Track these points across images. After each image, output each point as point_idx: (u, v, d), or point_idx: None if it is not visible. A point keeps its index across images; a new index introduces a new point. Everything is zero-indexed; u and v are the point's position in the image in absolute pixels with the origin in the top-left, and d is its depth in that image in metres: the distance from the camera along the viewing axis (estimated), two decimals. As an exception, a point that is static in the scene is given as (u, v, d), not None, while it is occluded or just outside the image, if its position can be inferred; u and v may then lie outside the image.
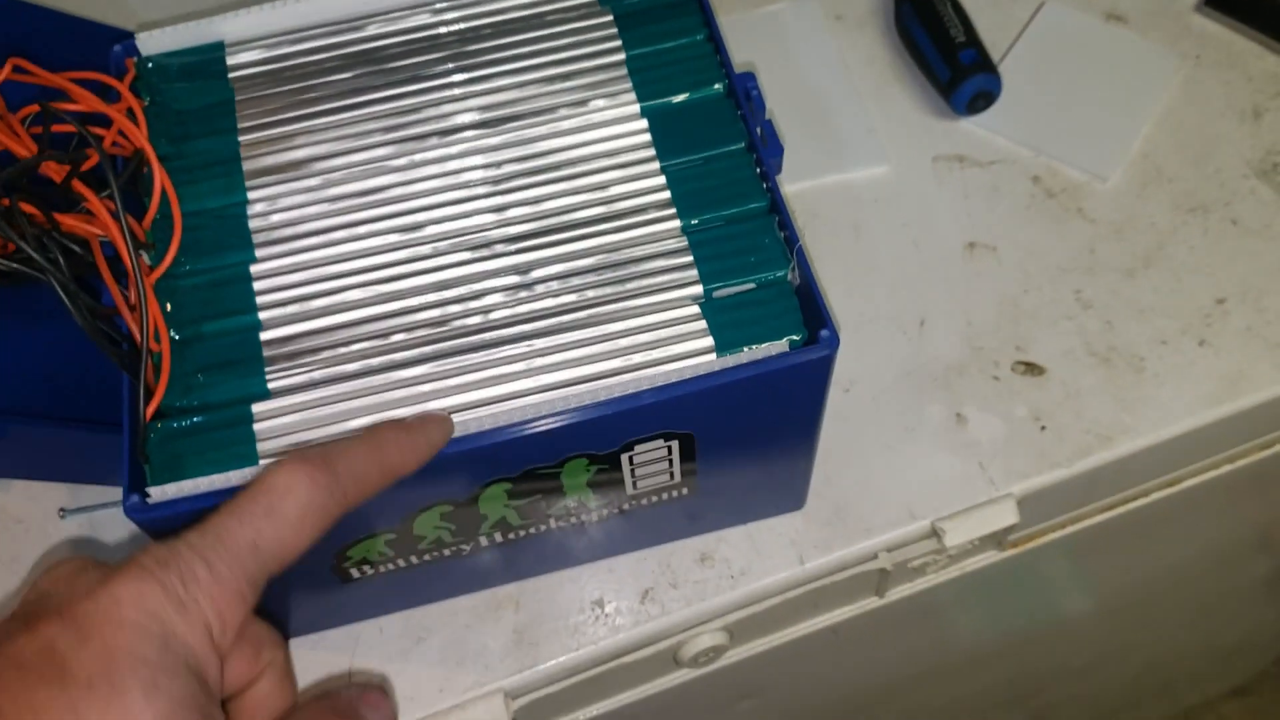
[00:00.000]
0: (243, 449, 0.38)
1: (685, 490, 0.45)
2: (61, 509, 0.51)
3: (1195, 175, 0.56)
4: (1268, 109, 0.58)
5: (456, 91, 0.44)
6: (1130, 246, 0.54)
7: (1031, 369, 0.52)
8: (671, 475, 0.43)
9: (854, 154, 0.58)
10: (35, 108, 0.42)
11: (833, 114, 0.59)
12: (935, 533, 0.49)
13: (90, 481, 0.51)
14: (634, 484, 0.43)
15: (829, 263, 0.55)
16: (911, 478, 0.50)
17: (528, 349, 0.39)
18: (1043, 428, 0.51)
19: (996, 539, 0.51)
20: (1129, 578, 0.71)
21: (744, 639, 0.51)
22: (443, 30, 0.46)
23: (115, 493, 0.51)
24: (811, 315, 0.39)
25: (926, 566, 0.51)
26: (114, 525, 0.51)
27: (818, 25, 0.61)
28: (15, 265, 0.37)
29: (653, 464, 0.42)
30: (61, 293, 0.36)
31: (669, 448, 0.41)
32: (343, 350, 0.39)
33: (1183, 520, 0.62)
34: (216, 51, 0.46)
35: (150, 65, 0.46)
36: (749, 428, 0.42)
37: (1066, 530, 0.56)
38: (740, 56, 0.60)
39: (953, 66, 0.56)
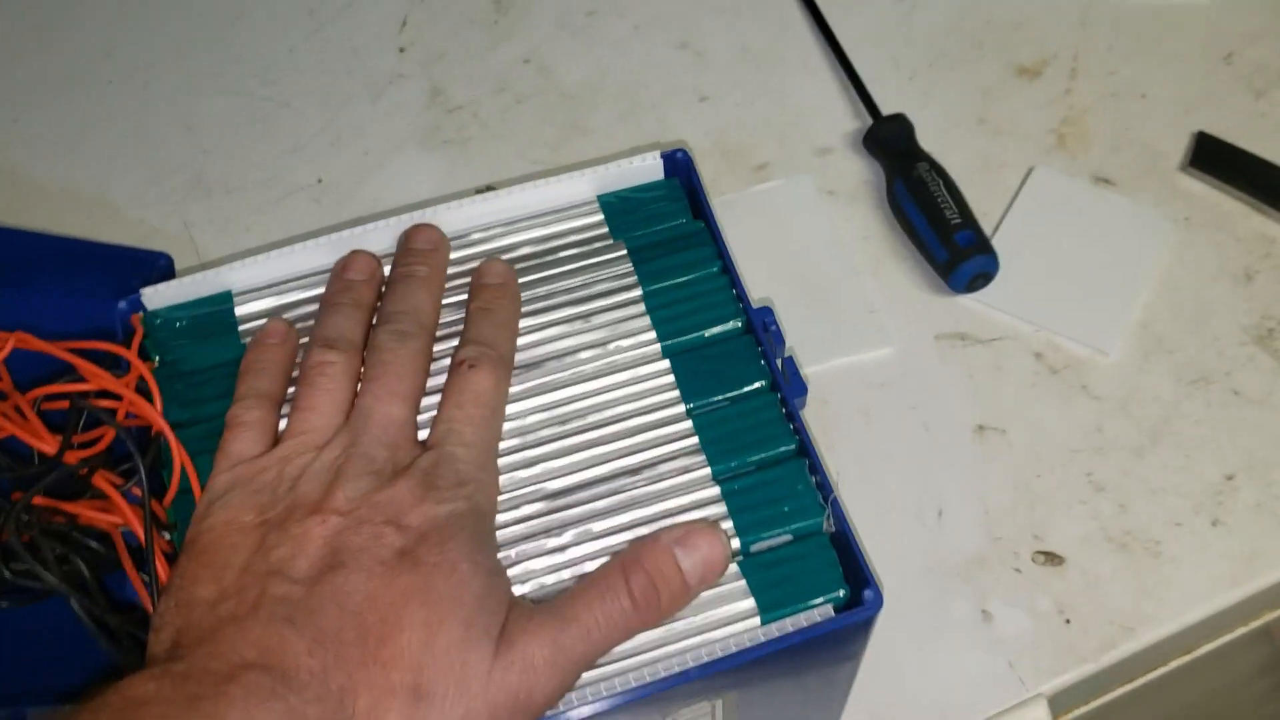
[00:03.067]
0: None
1: (724, 731, 0.44)
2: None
3: (1194, 344, 0.57)
4: (1259, 270, 0.59)
5: (474, 339, 0.44)
6: (1137, 423, 0.55)
7: (1051, 558, 0.52)
8: (712, 724, 0.43)
9: (858, 335, 0.58)
10: (43, 390, 0.41)
11: (833, 294, 0.59)
12: (970, 740, 0.49)
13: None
14: (674, 735, 0.42)
15: (841, 451, 0.55)
16: (942, 680, 0.50)
17: (566, 620, 0.39)
18: (1067, 621, 0.51)
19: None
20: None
21: None
22: (453, 270, 0.46)
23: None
24: (850, 567, 0.39)
25: (961, 770, 0.50)
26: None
27: (813, 203, 0.62)
28: (38, 585, 0.36)
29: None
30: (87, 620, 0.35)
31: (713, 706, 0.41)
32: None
33: (1197, 675, 0.62)
34: (225, 303, 0.45)
35: (158, 321, 0.45)
36: (791, 678, 0.41)
37: (1089, 706, 0.55)
38: (736, 236, 0.60)
39: (949, 249, 0.57)
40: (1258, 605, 0.54)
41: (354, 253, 0.45)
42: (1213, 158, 0.62)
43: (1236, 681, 0.77)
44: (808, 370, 0.57)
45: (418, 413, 0.41)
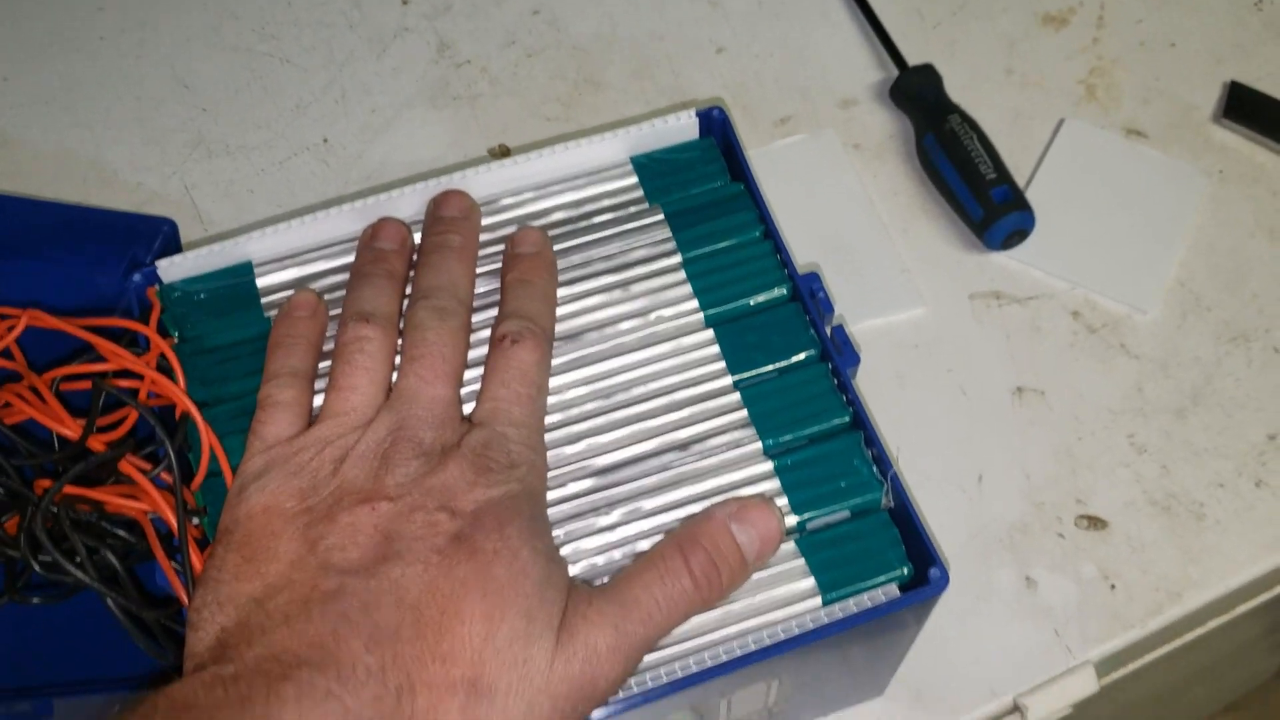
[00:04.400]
0: None
1: (775, 708, 0.43)
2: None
3: (1233, 302, 0.56)
4: (1296, 224, 0.58)
5: (510, 310, 0.42)
6: (1177, 384, 0.54)
7: (1095, 523, 0.51)
8: (767, 702, 0.41)
9: (890, 296, 0.56)
10: (61, 370, 0.39)
11: (863, 253, 0.57)
12: (1018, 708, 0.48)
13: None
14: (729, 714, 0.41)
15: (877, 417, 0.53)
16: (988, 650, 0.49)
17: (620, 603, 0.37)
18: (1112, 586, 0.50)
19: (1077, 708, 0.50)
20: (1159, 682, 0.70)
21: (829, 831, 0.50)
22: (484, 238, 0.44)
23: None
24: (913, 544, 0.38)
25: (1008, 740, 0.49)
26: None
27: (839, 158, 0.60)
28: (68, 579, 0.34)
29: (751, 699, 0.40)
30: (121, 616, 0.34)
31: (770, 685, 0.39)
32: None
33: (1232, 632, 0.62)
34: (246, 274, 0.43)
35: (176, 294, 0.43)
36: (849, 655, 0.40)
37: (1129, 668, 0.55)
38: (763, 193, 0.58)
39: (985, 205, 0.55)
40: (1300, 566, 0.53)
41: (383, 220, 0.43)
42: (1246, 108, 0.60)
43: (1262, 634, 0.77)
44: (839, 333, 0.55)
45: (460, 390, 0.39)
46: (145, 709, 0.29)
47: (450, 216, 0.42)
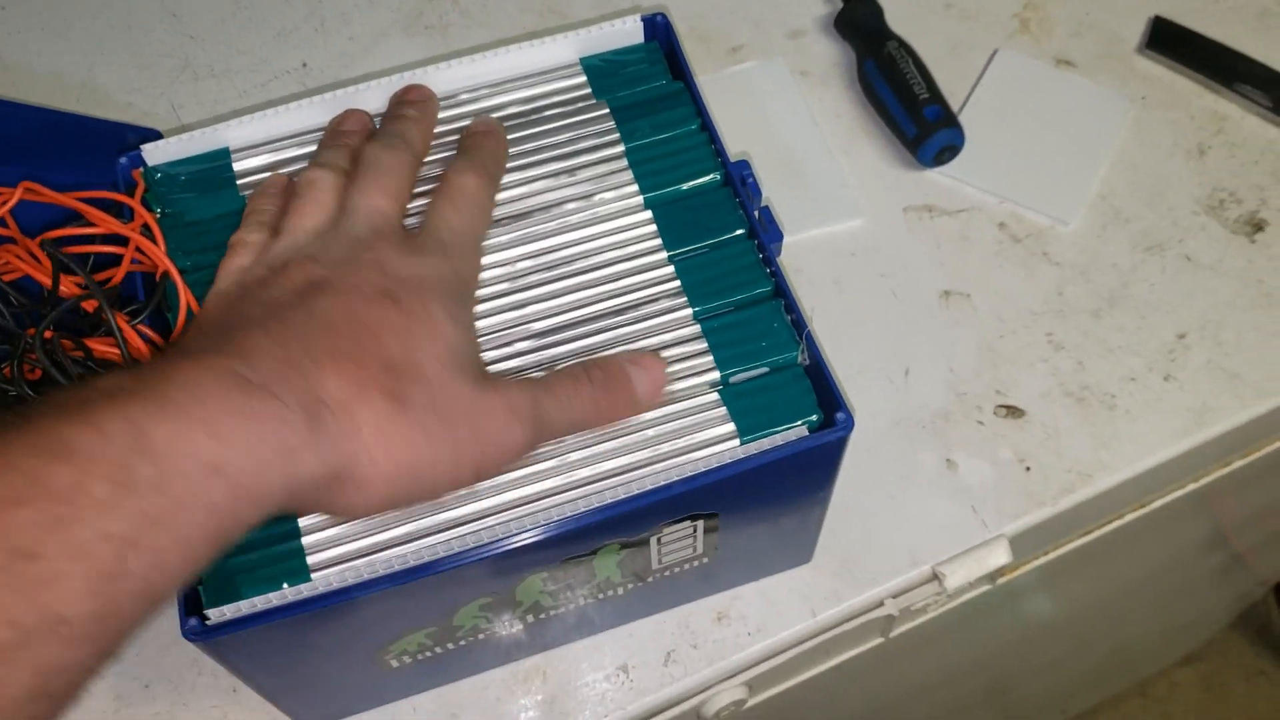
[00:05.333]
0: (293, 564, 0.39)
1: (705, 559, 0.47)
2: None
3: (1150, 214, 0.60)
4: (1211, 146, 0.61)
5: (465, 191, 0.46)
6: (1095, 288, 0.58)
7: (1013, 412, 0.55)
8: (694, 549, 0.45)
9: (830, 208, 0.60)
10: (54, 233, 0.43)
11: (808, 169, 0.61)
12: (936, 576, 0.52)
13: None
14: (659, 559, 0.45)
15: (815, 317, 0.57)
16: (910, 524, 0.52)
17: (558, 444, 0.41)
18: (1027, 469, 0.54)
19: (990, 577, 0.54)
20: (1098, 585, 0.74)
21: (761, 690, 0.54)
22: (444, 129, 0.47)
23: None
24: (824, 395, 0.42)
25: (928, 607, 0.53)
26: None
27: (787, 83, 0.64)
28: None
29: (679, 541, 0.44)
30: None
31: (695, 527, 0.43)
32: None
33: (1150, 534, 0.65)
34: (223, 159, 0.47)
35: (159, 175, 0.47)
36: (768, 501, 0.44)
37: (1049, 557, 0.59)
38: (713, 115, 0.62)
39: (918, 123, 0.59)
40: (1207, 457, 0.57)
41: (349, 110, 0.47)
42: (1168, 40, 0.64)
43: (1184, 555, 0.81)
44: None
45: (404, 216, 0.43)
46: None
47: (409, 100, 0.46)
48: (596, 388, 0.39)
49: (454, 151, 0.46)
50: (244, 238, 0.42)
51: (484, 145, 0.45)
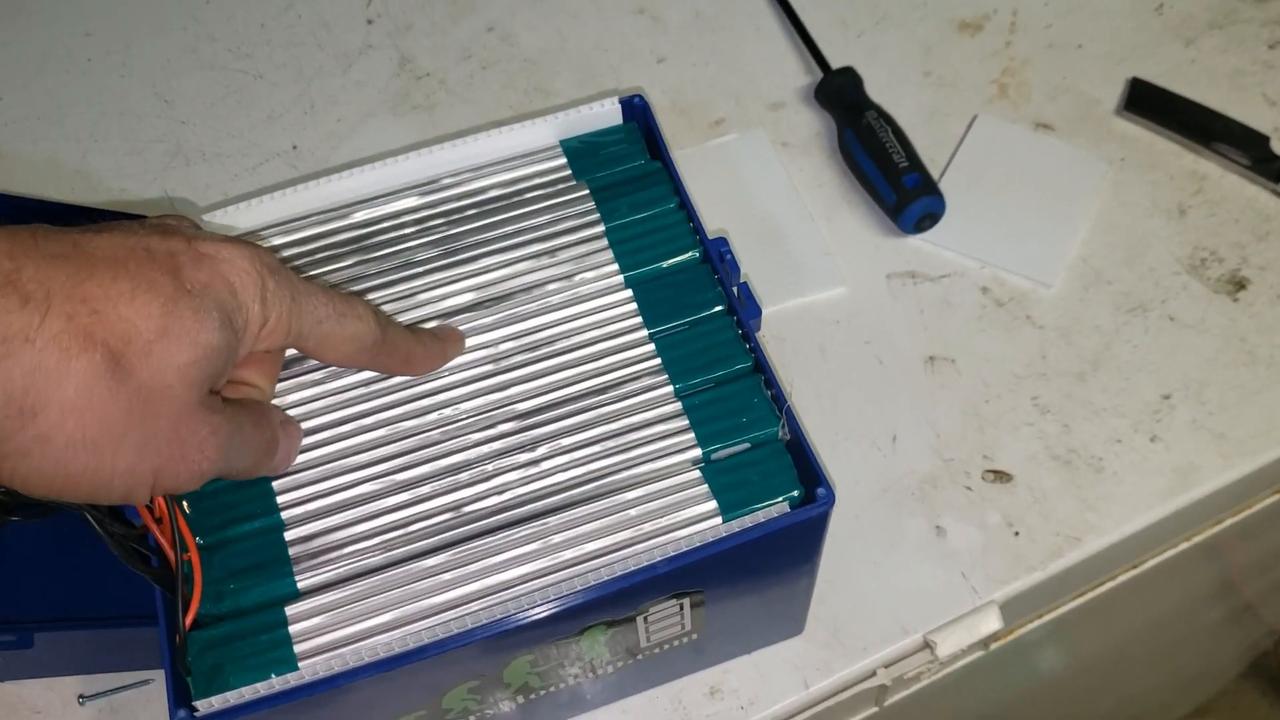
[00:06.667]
0: (281, 653, 0.39)
1: (695, 635, 0.47)
2: (81, 695, 0.51)
3: (1131, 275, 0.60)
4: (1190, 205, 0.62)
5: (448, 274, 0.46)
6: (1078, 350, 0.58)
7: (1000, 476, 0.55)
8: (682, 625, 0.45)
9: (812, 277, 0.61)
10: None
11: (789, 239, 0.62)
12: (928, 645, 0.52)
13: (107, 671, 0.52)
14: (648, 637, 0.45)
15: (800, 385, 0.58)
16: (900, 592, 0.53)
17: (542, 527, 0.41)
18: (1016, 533, 0.54)
19: (983, 643, 0.54)
20: (1098, 642, 0.74)
21: (755, 762, 0.53)
22: (428, 213, 0.48)
23: (129, 676, 0.52)
24: (805, 470, 0.42)
25: (920, 675, 0.53)
26: (133, 707, 0.52)
27: (767, 154, 0.65)
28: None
29: (666, 618, 0.44)
30: (97, 528, 0.38)
31: (681, 604, 0.44)
32: (365, 544, 0.41)
33: (1147, 591, 0.65)
34: (210, 248, 0.48)
35: (146, 267, 0.47)
36: (754, 577, 0.44)
37: (1043, 619, 0.59)
38: (694, 188, 0.63)
39: (898, 190, 0.60)
40: (1196, 516, 0.57)
41: None
42: (1145, 102, 0.65)
43: (1189, 605, 0.81)
44: (766, 310, 0.60)
45: None
46: None
47: None
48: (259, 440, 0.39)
49: (439, 236, 0.47)
50: None
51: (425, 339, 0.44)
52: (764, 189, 0.64)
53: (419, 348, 0.43)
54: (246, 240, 0.38)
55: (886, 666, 0.52)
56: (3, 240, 0.32)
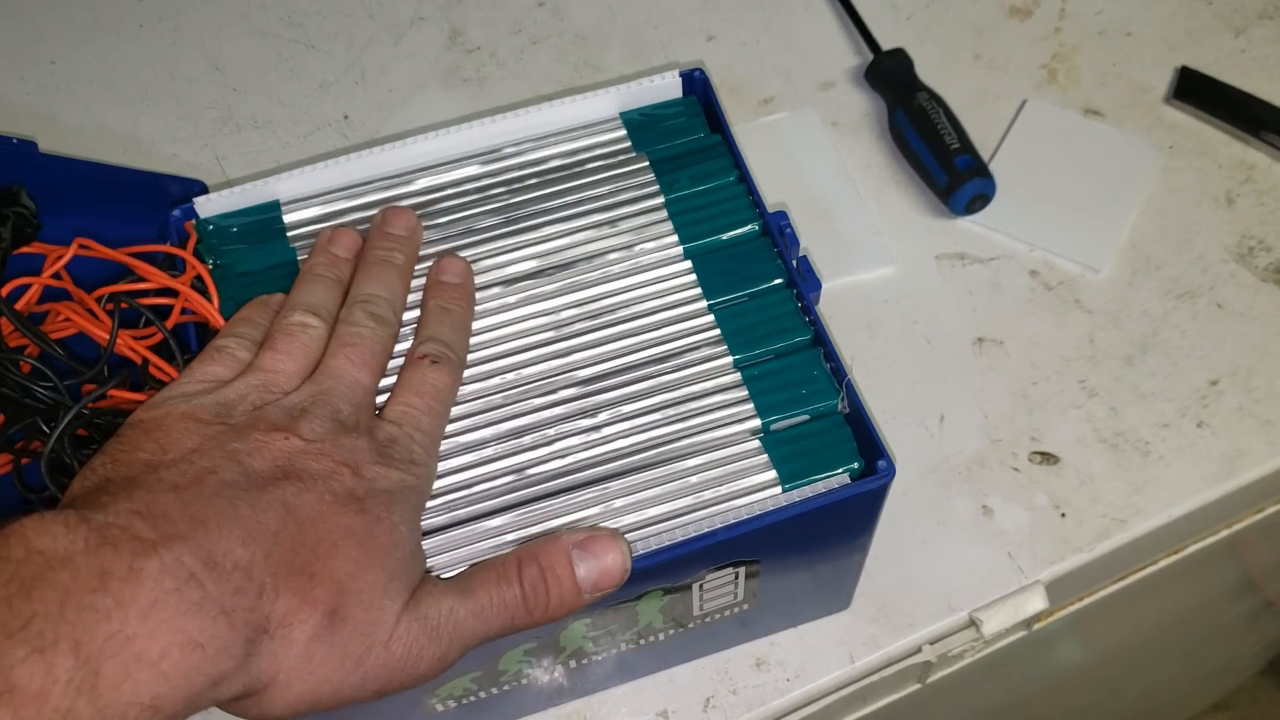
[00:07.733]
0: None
1: (746, 605, 0.47)
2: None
3: (1180, 262, 0.60)
4: (1239, 194, 0.62)
5: (510, 241, 0.47)
6: (1127, 334, 0.58)
7: (1047, 458, 0.55)
8: (735, 595, 0.46)
9: (862, 256, 0.61)
10: (109, 289, 0.44)
11: (839, 218, 0.62)
12: (973, 623, 0.52)
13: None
14: (701, 605, 0.46)
15: (850, 363, 0.58)
16: (947, 570, 0.53)
17: (603, 491, 0.42)
18: (1062, 515, 0.54)
19: (1027, 623, 0.54)
20: (1129, 631, 0.74)
21: (798, 734, 0.54)
22: (489, 182, 0.49)
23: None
24: (865, 443, 0.42)
25: (964, 653, 0.53)
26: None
27: (817, 133, 0.65)
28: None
29: (721, 587, 0.45)
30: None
31: (737, 573, 0.44)
32: (429, 504, 0.42)
33: (1182, 579, 0.66)
34: (273, 210, 0.48)
35: (211, 228, 0.48)
36: (810, 548, 0.45)
37: (1083, 603, 0.59)
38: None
39: (949, 172, 0.60)
40: (1240, 503, 0.57)
41: (339, 231, 0.46)
42: (1195, 90, 0.65)
43: (1213, 600, 0.81)
44: (815, 289, 0.60)
45: (378, 391, 0.42)
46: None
47: (396, 234, 0.46)
48: (526, 590, 0.37)
49: (454, 216, 0.47)
50: (226, 346, 0.41)
51: (454, 310, 0.44)
52: (813, 167, 0.64)
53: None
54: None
55: (932, 643, 0.52)
56: (214, 535, 0.32)
